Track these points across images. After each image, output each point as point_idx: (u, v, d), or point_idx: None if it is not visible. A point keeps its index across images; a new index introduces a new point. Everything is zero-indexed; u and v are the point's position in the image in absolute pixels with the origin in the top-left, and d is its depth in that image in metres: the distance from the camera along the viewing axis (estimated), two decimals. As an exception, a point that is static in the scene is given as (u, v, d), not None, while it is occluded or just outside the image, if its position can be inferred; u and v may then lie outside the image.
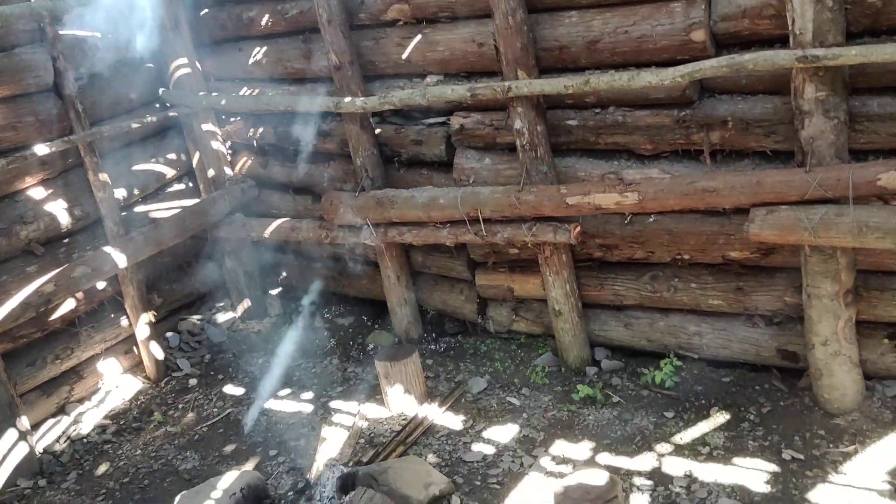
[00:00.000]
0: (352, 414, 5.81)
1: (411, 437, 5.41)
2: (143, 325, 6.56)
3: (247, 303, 7.38)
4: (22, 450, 5.62)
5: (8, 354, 5.84)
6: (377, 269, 6.63)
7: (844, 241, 4.33)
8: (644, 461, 4.80)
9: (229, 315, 7.32)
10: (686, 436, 4.94)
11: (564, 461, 4.94)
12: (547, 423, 5.32)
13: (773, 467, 4.55)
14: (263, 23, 6.56)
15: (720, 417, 5.02)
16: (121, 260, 6.16)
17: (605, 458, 4.90)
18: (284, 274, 7.59)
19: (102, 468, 5.69)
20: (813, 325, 4.74)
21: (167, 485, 5.39)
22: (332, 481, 4.78)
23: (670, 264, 5.41)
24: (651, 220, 5.27)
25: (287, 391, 6.24)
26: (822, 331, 4.71)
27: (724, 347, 5.37)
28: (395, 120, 6.21)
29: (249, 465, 5.43)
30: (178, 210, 6.87)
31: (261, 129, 7.01)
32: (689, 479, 4.59)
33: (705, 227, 5.11)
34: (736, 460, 4.65)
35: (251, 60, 6.77)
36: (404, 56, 5.81)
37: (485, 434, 5.34)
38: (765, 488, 4.42)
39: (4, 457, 5.53)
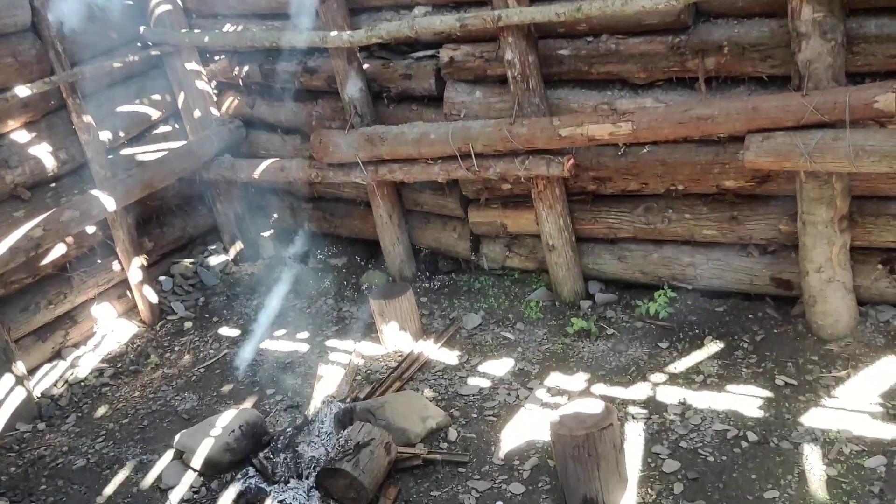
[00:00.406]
0: (348, 352, 5.83)
1: (407, 372, 5.44)
2: (135, 269, 6.53)
3: (239, 245, 7.34)
4: (19, 394, 5.65)
5: (0, 300, 5.83)
6: (369, 208, 6.58)
7: (841, 165, 4.29)
8: (639, 391, 4.84)
9: (222, 258, 7.28)
10: (680, 365, 4.98)
11: (560, 393, 4.99)
12: (542, 357, 5.35)
13: (767, 393, 4.59)
14: (245, -45, 6.38)
15: (714, 346, 5.05)
16: (109, 203, 6.09)
17: (600, 388, 4.94)
18: (276, 216, 7.53)
19: (101, 410, 5.73)
20: (807, 252, 4.74)
21: (166, 425, 5.43)
22: (329, 417, 4.82)
23: (664, 195, 5.38)
24: (645, 150, 5.21)
25: (282, 332, 6.25)
26: (816, 258, 4.71)
27: (717, 277, 5.37)
28: (384, 54, 6.08)
29: (248, 404, 5.46)
30: (165, 152, 6.76)
31: (246, 68, 6.85)
32: (683, 406, 4.64)
33: (700, 157, 5.06)
34: (729, 387, 4.70)
35: (234, -5, 6.58)
36: (391, -14, 5.67)
37: (480, 368, 5.37)
38: (758, 413, 4.47)
39: (2, 402, 5.56)
